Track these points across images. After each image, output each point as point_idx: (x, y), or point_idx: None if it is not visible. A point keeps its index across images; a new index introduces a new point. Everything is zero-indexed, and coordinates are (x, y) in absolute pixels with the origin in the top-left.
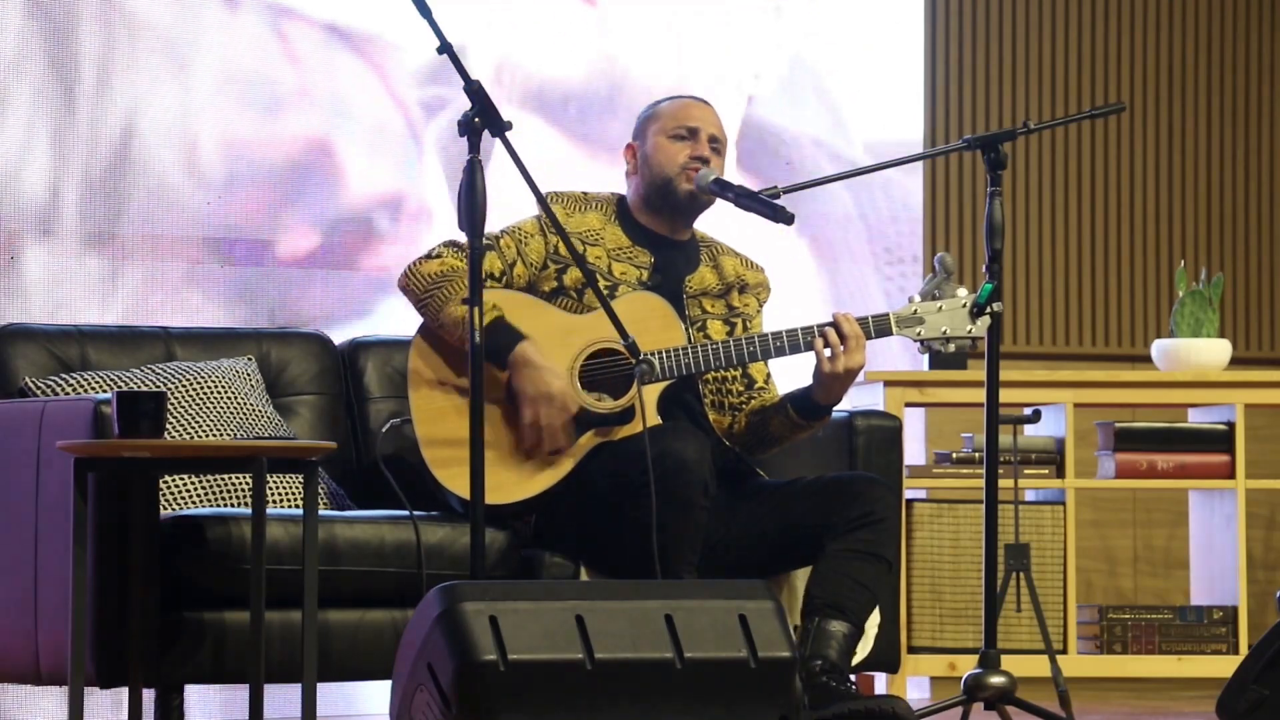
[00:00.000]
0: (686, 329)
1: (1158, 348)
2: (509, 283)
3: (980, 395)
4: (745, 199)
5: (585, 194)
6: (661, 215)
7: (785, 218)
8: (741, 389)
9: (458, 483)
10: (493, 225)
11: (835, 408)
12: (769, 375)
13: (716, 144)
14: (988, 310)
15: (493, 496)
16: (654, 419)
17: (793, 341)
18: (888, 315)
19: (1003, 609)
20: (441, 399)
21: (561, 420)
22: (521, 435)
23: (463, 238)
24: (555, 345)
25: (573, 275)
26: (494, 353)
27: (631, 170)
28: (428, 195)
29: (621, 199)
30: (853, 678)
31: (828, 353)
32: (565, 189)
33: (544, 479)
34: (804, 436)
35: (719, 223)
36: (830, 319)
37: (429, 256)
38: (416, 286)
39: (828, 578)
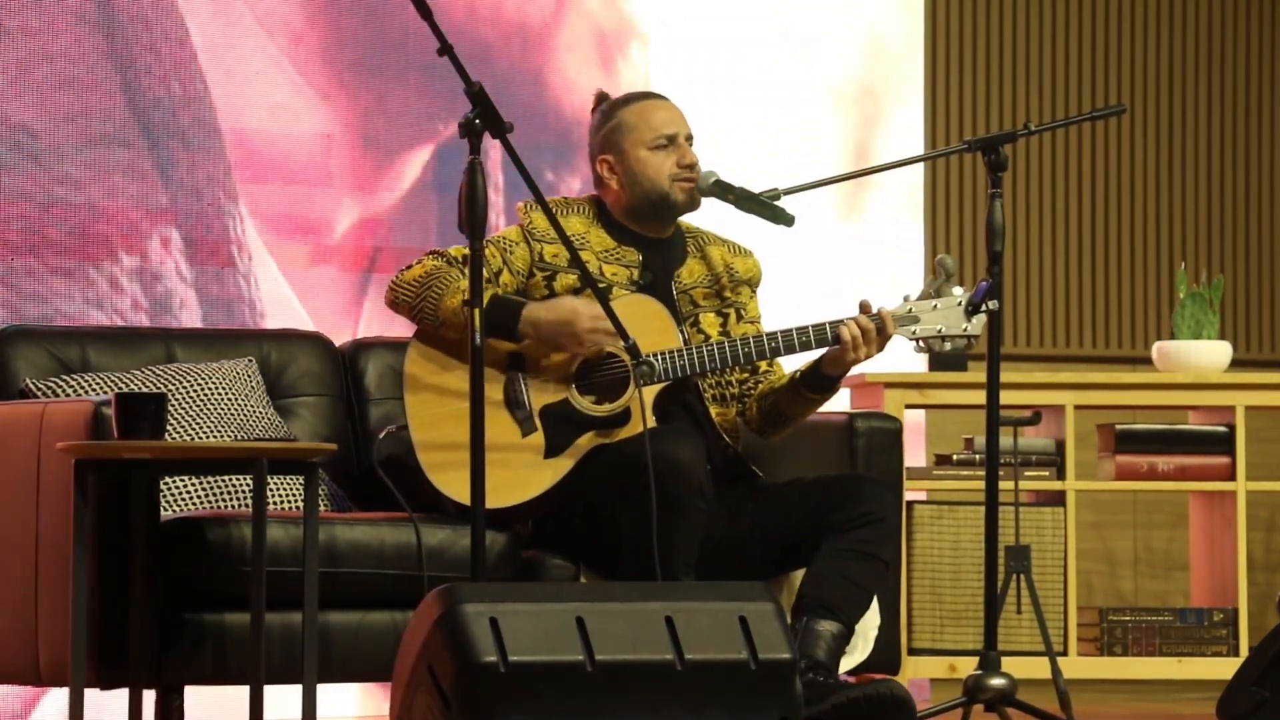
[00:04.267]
0: (682, 330)
1: (1158, 349)
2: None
3: (980, 397)
4: (745, 201)
5: (565, 199)
6: (649, 222)
7: (786, 220)
8: (745, 376)
9: (455, 488)
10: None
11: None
12: None
13: (690, 140)
14: (983, 308)
15: (491, 500)
16: (650, 421)
17: (787, 341)
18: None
19: (1003, 611)
20: (437, 404)
21: (602, 322)
22: (527, 432)
23: (443, 249)
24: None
25: (563, 282)
26: (500, 326)
27: (617, 186)
28: None
29: (598, 200)
30: (851, 680)
31: (851, 343)
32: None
33: (542, 481)
34: (816, 409)
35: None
36: (839, 317)
37: (409, 267)
38: (406, 295)
39: (821, 577)
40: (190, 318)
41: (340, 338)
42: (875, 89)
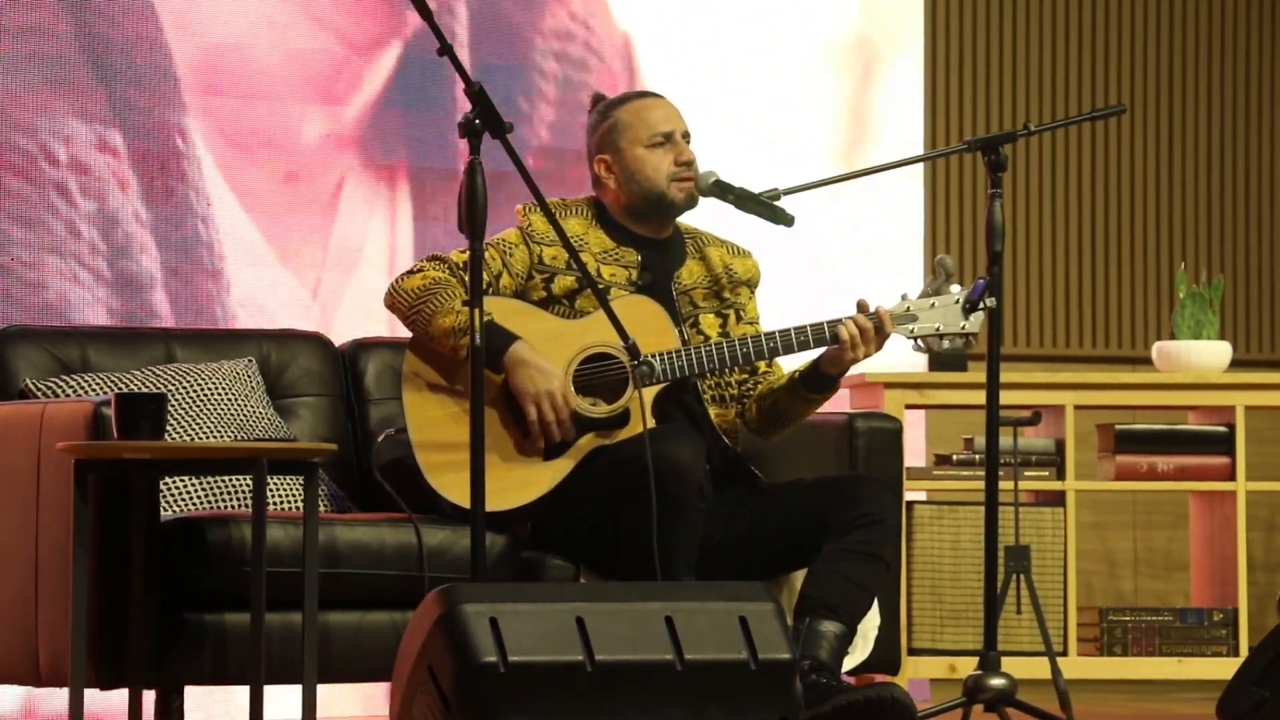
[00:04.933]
0: (681, 331)
1: (1158, 350)
2: (495, 293)
3: (980, 397)
4: (745, 201)
5: (564, 200)
6: (648, 221)
7: (785, 220)
8: (744, 377)
9: (454, 490)
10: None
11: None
12: None
13: (687, 138)
14: (981, 305)
15: (491, 502)
16: (649, 422)
17: (786, 342)
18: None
19: (1003, 611)
20: (436, 405)
21: (565, 414)
22: (526, 433)
23: (444, 252)
24: (548, 350)
25: (561, 283)
26: (488, 356)
27: (614, 185)
28: None
29: (596, 201)
30: (851, 681)
31: (850, 342)
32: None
33: (542, 483)
34: (816, 409)
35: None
36: (840, 316)
37: (411, 272)
38: (402, 304)
39: (822, 578)
40: (150, 262)
41: (308, 278)
42: (874, 88)
